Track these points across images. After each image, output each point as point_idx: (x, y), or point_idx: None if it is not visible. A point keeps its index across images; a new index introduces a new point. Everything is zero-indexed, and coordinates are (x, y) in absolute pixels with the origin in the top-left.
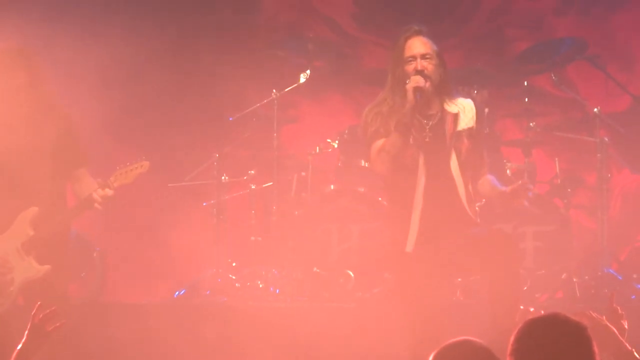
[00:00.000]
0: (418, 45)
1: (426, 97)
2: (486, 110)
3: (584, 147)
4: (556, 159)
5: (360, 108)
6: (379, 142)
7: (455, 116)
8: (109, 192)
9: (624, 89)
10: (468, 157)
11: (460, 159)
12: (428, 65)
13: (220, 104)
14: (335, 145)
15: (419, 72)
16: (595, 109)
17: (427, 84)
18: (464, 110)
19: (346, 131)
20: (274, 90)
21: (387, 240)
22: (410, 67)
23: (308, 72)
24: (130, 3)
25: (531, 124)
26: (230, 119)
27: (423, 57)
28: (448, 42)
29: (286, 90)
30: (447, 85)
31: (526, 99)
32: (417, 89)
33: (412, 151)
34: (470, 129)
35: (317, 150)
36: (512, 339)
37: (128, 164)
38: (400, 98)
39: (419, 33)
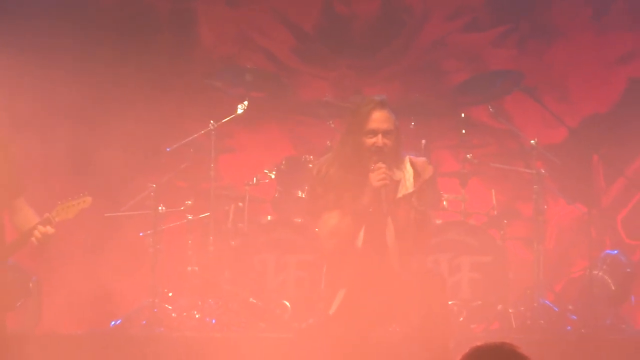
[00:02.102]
0: (382, 119)
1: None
2: (423, 141)
3: (520, 178)
4: (493, 190)
5: (298, 139)
6: (330, 220)
7: (397, 183)
8: (50, 230)
9: (560, 120)
10: (409, 223)
11: (398, 226)
12: (388, 142)
13: (158, 134)
14: (273, 176)
15: (379, 149)
16: (532, 141)
17: (389, 177)
18: (405, 175)
19: (283, 162)
20: (212, 121)
21: (320, 299)
22: (370, 141)
23: (246, 103)
24: (69, 35)
25: (468, 156)
26: (168, 149)
27: (385, 133)
28: (385, 73)
29: (224, 121)
30: (397, 157)
31: (463, 131)
32: (383, 187)
33: (359, 220)
34: (410, 194)
35: (254, 181)
36: None
37: (70, 198)
38: (352, 169)
39: (383, 106)
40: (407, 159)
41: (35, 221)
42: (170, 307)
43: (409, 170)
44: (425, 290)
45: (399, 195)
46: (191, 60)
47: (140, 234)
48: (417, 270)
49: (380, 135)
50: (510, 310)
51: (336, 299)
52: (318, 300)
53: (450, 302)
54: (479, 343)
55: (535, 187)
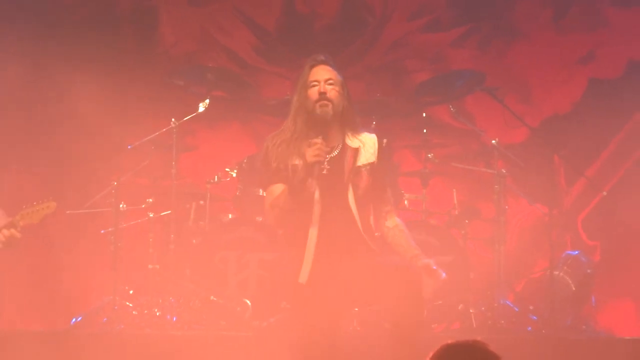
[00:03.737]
0: (322, 72)
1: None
2: (384, 141)
3: (481, 178)
4: (454, 190)
5: (259, 138)
6: (275, 190)
7: (356, 151)
8: (16, 234)
9: (521, 120)
10: (367, 192)
11: (357, 193)
12: (332, 91)
13: (119, 132)
14: (234, 175)
15: (322, 95)
16: (493, 141)
17: (324, 153)
18: (364, 145)
19: (245, 160)
20: (173, 119)
21: (282, 270)
22: (313, 91)
23: (207, 101)
24: (28, 31)
25: (429, 155)
26: (129, 147)
27: (327, 81)
28: (347, 73)
29: (185, 119)
30: (350, 117)
31: (424, 130)
32: (316, 163)
33: (309, 183)
34: (371, 165)
35: (216, 179)
36: None
37: (35, 203)
38: (302, 125)
39: (324, 62)
40: (364, 133)
41: (2, 220)
42: (130, 305)
43: (368, 141)
44: (400, 284)
45: (359, 163)
46: (153, 59)
47: (102, 232)
48: (396, 263)
49: (322, 82)
50: (471, 310)
51: (304, 263)
52: (279, 299)
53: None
54: (449, 341)
55: (496, 187)
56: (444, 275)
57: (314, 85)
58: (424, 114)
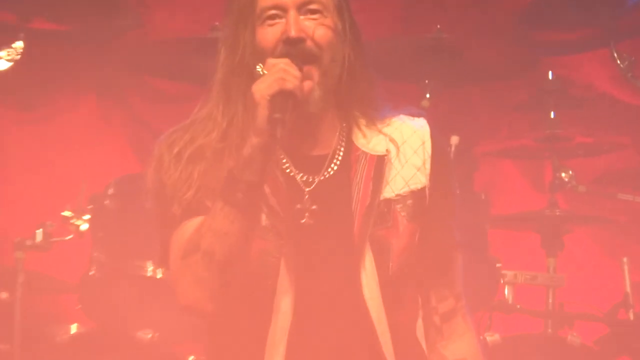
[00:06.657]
0: None
1: (304, 116)
2: (455, 139)
3: None
4: (625, 259)
5: (145, 134)
6: (191, 226)
7: (380, 162)
8: None
9: None
10: (406, 264)
11: (383, 267)
12: (317, 28)
13: None
14: (82, 226)
15: (292, 42)
16: None
17: (308, 82)
18: (400, 148)
19: (110, 190)
20: None
21: None
22: (270, 32)
23: (19, 44)
24: None
25: (562, 175)
26: None
27: (302, 7)
28: None
29: None
30: (361, 83)
31: (552, 114)
32: (280, 95)
33: (270, 244)
34: (416, 195)
35: (39, 238)
36: None
37: None
38: (244, 111)
39: None
40: (394, 117)
41: None
42: None
43: (410, 137)
44: None
45: (388, 193)
46: None
47: None
48: None
49: (292, 11)
50: None
51: None
52: None
53: None
54: None
55: None
56: None
57: (271, 18)
58: (550, 74)
